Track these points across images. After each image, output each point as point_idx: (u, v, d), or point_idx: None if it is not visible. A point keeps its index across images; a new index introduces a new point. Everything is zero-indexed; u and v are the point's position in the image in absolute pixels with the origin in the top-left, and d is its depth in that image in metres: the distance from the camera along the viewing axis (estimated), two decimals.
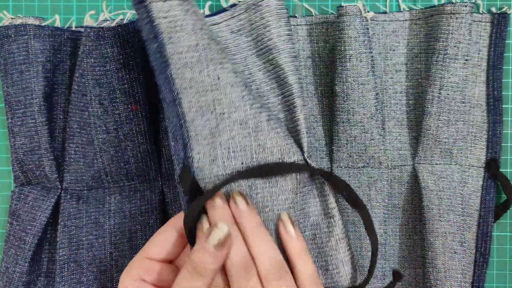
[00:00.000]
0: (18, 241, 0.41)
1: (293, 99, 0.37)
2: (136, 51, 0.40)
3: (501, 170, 0.44)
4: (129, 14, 0.42)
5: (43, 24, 0.42)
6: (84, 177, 0.42)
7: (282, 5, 0.38)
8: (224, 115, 0.35)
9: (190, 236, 0.33)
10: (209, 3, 0.43)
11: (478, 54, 0.44)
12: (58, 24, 0.44)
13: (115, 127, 0.41)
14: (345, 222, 0.42)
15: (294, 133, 0.37)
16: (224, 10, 0.39)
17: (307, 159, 0.37)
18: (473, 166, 0.44)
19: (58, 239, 0.41)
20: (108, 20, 0.41)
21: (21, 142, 0.42)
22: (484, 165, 0.44)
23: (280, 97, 0.38)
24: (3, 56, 0.41)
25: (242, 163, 0.36)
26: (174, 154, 0.35)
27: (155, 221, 0.42)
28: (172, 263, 0.36)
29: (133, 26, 0.40)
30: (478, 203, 0.44)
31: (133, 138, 0.41)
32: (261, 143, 0.36)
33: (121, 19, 0.41)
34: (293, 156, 0.36)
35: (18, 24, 0.41)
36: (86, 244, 0.41)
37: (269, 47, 0.38)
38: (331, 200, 0.37)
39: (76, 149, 0.42)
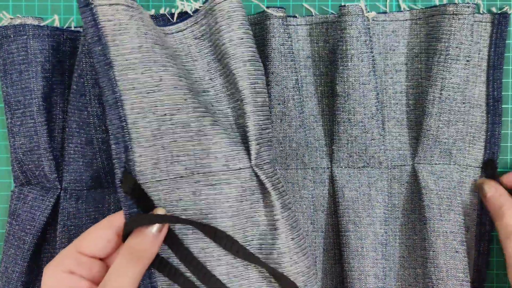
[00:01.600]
0: (17, 241, 0.41)
1: (244, 105, 0.37)
2: None
3: (501, 170, 0.44)
4: None
5: (42, 24, 0.42)
6: (83, 177, 0.42)
7: (236, 7, 0.37)
8: (166, 117, 0.35)
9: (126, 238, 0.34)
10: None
11: (479, 54, 0.44)
12: (57, 24, 0.44)
13: None
14: (346, 221, 0.42)
15: (245, 139, 0.37)
16: (189, 16, 0.39)
17: (254, 167, 0.36)
18: (470, 166, 0.44)
19: (57, 238, 0.41)
20: None
21: (20, 142, 0.42)
22: (481, 165, 0.44)
23: (238, 103, 0.37)
24: (2, 56, 0.41)
25: (186, 169, 0.36)
26: (115, 158, 0.35)
27: None
28: (103, 260, 0.35)
29: None
30: (476, 203, 0.44)
31: None
32: (205, 147, 0.36)
33: None
34: (239, 163, 0.36)
35: (17, 24, 0.41)
36: None
37: (223, 52, 0.37)
38: (277, 211, 0.36)
39: (76, 149, 0.42)
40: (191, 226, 0.36)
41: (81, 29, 0.43)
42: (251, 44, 0.37)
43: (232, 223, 0.36)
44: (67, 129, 0.42)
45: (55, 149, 0.42)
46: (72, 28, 0.44)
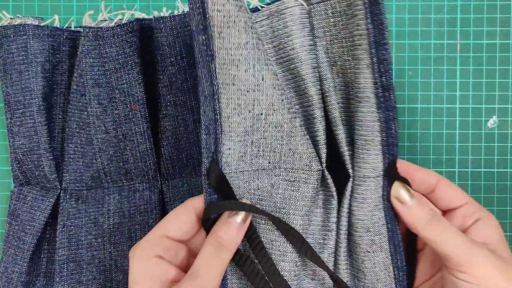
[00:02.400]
0: (17, 241, 0.41)
1: (313, 110, 0.36)
2: (135, 51, 0.40)
3: (501, 170, 0.44)
4: (128, 14, 0.42)
5: (42, 24, 0.42)
6: (83, 177, 0.42)
7: (306, 14, 0.36)
8: (261, 116, 0.35)
9: (206, 222, 0.34)
10: None
11: (357, 30, 0.35)
12: (57, 24, 0.44)
13: (114, 127, 0.41)
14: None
15: (315, 142, 0.37)
16: None
17: (325, 170, 0.36)
18: (369, 177, 0.35)
19: (57, 239, 0.41)
20: (106, 20, 0.41)
21: (20, 142, 0.42)
22: (382, 173, 0.35)
23: (297, 107, 0.37)
24: (2, 56, 0.41)
25: (269, 162, 0.36)
26: (204, 147, 0.34)
27: (154, 220, 0.42)
28: (185, 243, 0.35)
29: (132, 25, 0.40)
30: (382, 217, 0.37)
31: (132, 137, 0.41)
32: (292, 147, 0.36)
33: (120, 19, 0.41)
34: (317, 165, 0.36)
35: (17, 24, 0.41)
36: (86, 244, 0.41)
37: (290, 56, 0.36)
38: (334, 215, 0.37)
39: (75, 149, 0.42)
40: (264, 217, 0.36)
41: (81, 29, 0.43)
42: (317, 50, 0.37)
43: (302, 222, 0.36)
44: (67, 129, 0.42)
45: (55, 149, 0.42)
46: (72, 28, 0.44)
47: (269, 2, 0.37)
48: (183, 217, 0.35)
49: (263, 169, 0.36)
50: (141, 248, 0.33)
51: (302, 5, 0.36)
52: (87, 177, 0.42)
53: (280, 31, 0.37)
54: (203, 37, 0.33)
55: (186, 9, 0.41)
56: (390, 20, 0.46)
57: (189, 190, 0.42)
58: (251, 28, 0.33)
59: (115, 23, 0.41)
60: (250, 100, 0.34)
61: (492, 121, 0.46)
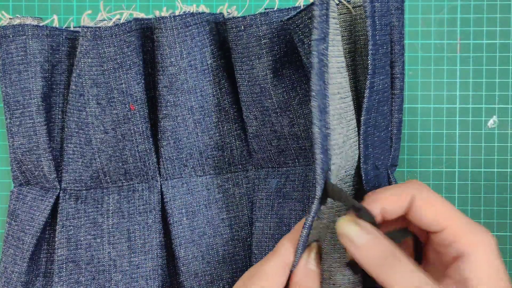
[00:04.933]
0: (16, 241, 0.41)
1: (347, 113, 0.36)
2: (133, 51, 0.40)
3: (501, 170, 0.44)
4: (126, 14, 0.42)
5: (41, 24, 0.42)
6: (82, 177, 0.42)
7: (344, 20, 0.38)
8: (350, 122, 0.34)
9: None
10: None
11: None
12: (56, 24, 0.44)
13: (113, 127, 0.41)
14: None
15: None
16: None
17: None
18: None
19: (56, 239, 0.41)
20: (105, 20, 0.41)
21: (19, 142, 0.42)
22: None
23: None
24: (1, 57, 0.41)
25: (345, 172, 0.35)
26: (320, 168, 0.30)
27: (153, 220, 0.42)
28: None
29: (130, 25, 0.40)
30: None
31: (131, 137, 0.41)
32: (356, 151, 0.35)
33: (118, 19, 0.41)
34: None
35: (16, 24, 0.41)
36: (85, 244, 0.41)
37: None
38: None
39: (75, 149, 0.42)
40: None
41: (80, 29, 0.43)
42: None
43: None
44: (66, 129, 0.42)
45: (55, 149, 0.42)
46: (71, 28, 0.44)
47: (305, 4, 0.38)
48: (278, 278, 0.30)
49: (340, 180, 0.34)
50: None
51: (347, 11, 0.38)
52: (86, 177, 0.42)
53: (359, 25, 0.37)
54: (323, 46, 0.30)
55: (186, 9, 0.41)
56: None
57: (188, 190, 0.42)
58: (339, 35, 0.33)
59: (114, 23, 0.41)
60: (345, 106, 0.33)
61: (492, 121, 0.46)
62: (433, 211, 0.30)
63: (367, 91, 0.34)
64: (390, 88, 0.37)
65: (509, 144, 0.45)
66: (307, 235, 0.31)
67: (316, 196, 0.30)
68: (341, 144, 0.33)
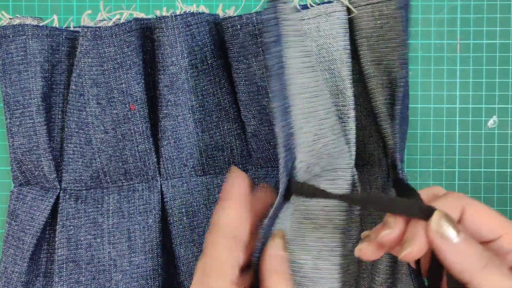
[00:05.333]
0: (16, 241, 0.41)
1: (348, 110, 0.38)
2: (133, 51, 0.40)
3: (501, 170, 0.44)
4: (126, 14, 0.42)
5: (41, 24, 0.42)
6: (82, 177, 0.42)
7: (347, 20, 0.39)
8: (323, 121, 0.35)
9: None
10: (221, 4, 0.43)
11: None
12: (56, 24, 0.44)
13: (113, 127, 0.41)
14: None
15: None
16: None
17: (353, 167, 0.38)
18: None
19: (56, 239, 0.41)
20: (105, 20, 0.41)
21: (19, 142, 0.42)
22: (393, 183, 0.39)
23: (340, 107, 0.39)
24: (1, 57, 0.41)
25: (321, 169, 0.36)
26: (283, 167, 0.32)
27: (153, 220, 0.42)
28: None
29: (130, 25, 0.40)
30: None
31: (131, 137, 0.41)
32: (339, 149, 0.37)
33: (118, 19, 0.41)
34: (352, 162, 0.38)
35: (16, 24, 0.41)
36: (85, 244, 0.41)
37: (333, 56, 0.38)
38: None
39: (75, 149, 0.42)
40: None
41: (79, 29, 0.43)
42: (361, 49, 0.39)
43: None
44: (66, 129, 0.42)
45: (55, 149, 0.42)
46: (71, 28, 0.44)
47: (318, 2, 0.40)
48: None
49: (315, 175, 0.36)
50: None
51: (347, 10, 0.39)
52: (86, 177, 0.42)
53: (326, 32, 0.39)
54: (277, 48, 0.31)
55: (186, 9, 0.41)
56: None
57: (188, 190, 0.42)
58: (304, 33, 0.36)
59: (114, 23, 0.41)
60: (314, 106, 0.35)
61: (492, 121, 0.46)
62: (487, 220, 0.29)
63: (401, 82, 0.35)
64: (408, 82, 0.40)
65: (509, 144, 0.45)
66: (270, 225, 0.32)
67: (279, 192, 0.32)
68: (310, 142, 0.34)
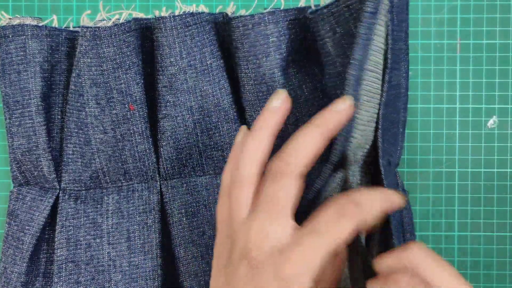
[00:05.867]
0: (16, 242, 0.41)
1: None
2: (132, 51, 0.40)
3: (501, 170, 0.44)
4: (125, 14, 0.41)
5: (40, 24, 0.42)
6: (82, 177, 0.42)
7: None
8: (376, 106, 0.35)
9: None
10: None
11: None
12: (56, 24, 0.44)
13: (112, 127, 0.41)
14: None
15: None
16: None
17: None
18: None
19: (56, 239, 0.41)
20: (105, 20, 0.41)
21: (19, 143, 0.42)
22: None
23: None
24: (1, 57, 0.41)
25: (362, 154, 0.36)
26: (340, 135, 0.33)
27: (153, 221, 0.42)
28: None
29: (129, 25, 0.40)
30: None
31: (131, 137, 0.41)
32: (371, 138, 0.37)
33: (117, 19, 0.41)
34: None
35: (15, 25, 0.41)
36: (84, 244, 0.41)
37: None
38: None
39: (74, 149, 0.42)
40: None
41: (79, 29, 0.43)
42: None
43: None
44: (65, 129, 0.42)
45: (54, 149, 0.42)
46: (71, 28, 0.44)
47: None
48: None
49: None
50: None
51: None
52: (85, 177, 0.42)
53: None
54: (372, 20, 0.33)
55: (186, 8, 0.41)
56: None
57: (188, 190, 0.42)
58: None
59: (113, 23, 0.41)
60: (377, 89, 0.35)
61: (492, 121, 0.45)
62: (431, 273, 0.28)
63: (385, 85, 0.35)
64: (402, 85, 0.38)
65: (509, 144, 0.45)
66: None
67: (332, 160, 0.33)
68: (365, 122, 0.34)
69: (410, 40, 0.46)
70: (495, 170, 0.45)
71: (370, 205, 0.29)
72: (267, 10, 0.40)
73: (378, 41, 0.34)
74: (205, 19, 0.41)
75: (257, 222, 0.29)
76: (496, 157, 0.45)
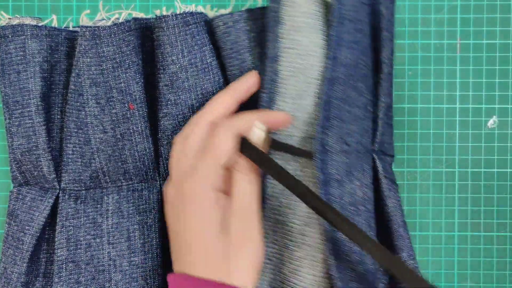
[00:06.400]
0: (16, 242, 0.41)
1: None
2: (132, 50, 0.40)
3: (501, 170, 0.44)
4: (125, 14, 0.41)
5: (40, 24, 0.42)
6: (82, 177, 0.42)
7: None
8: (313, 80, 0.38)
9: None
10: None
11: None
12: (55, 24, 0.44)
13: (112, 127, 0.41)
14: None
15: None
16: None
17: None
18: None
19: (56, 239, 0.41)
20: (104, 19, 0.41)
21: (18, 143, 0.42)
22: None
23: None
24: (0, 57, 0.41)
25: (312, 131, 0.39)
26: (261, 106, 0.38)
27: (153, 220, 0.42)
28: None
29: (129, 24, 0.40)
30: None
31: (131, 137, 0.41)
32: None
33: (117, 18, 0.41)
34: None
35: (15, 24, 0.41)
36: (84, 244, 0.41)
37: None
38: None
39: (74, 149, 0.42)
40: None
41: (78, 29, 0.43)
42: None
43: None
44: (65, 129, 0.42)
45: (54, 149, 0.42)
46: (70, 28, 0.44)
47: None
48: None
49: (310, 137, 0.38)
50: (201, 181, 0.36)
51: None
52: (85, 177, 0.42)
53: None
54: (275, 5, 0.38)
55: (185, 8, 0.41)
56: None
57: None
58: None
59: (113, 22, 0.41)
60: (307, 64, 0.38)
61: (492, 121, 0.45)
62: None
63: (328, 61, 0.38)
64: (371, 68, 0.41)
65: (509, 144, 0.45)
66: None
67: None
68: (294, 95, 0.38)
69: (410, 40, 0.46)
70: (495, 170, 0.45)
71: (241, 116, 0.37)
72: (245, 8, 0.42)
73: (297, 20, 0.38)
74: (204, 18, 0.41)
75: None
76: (496, 157, 0.45)
